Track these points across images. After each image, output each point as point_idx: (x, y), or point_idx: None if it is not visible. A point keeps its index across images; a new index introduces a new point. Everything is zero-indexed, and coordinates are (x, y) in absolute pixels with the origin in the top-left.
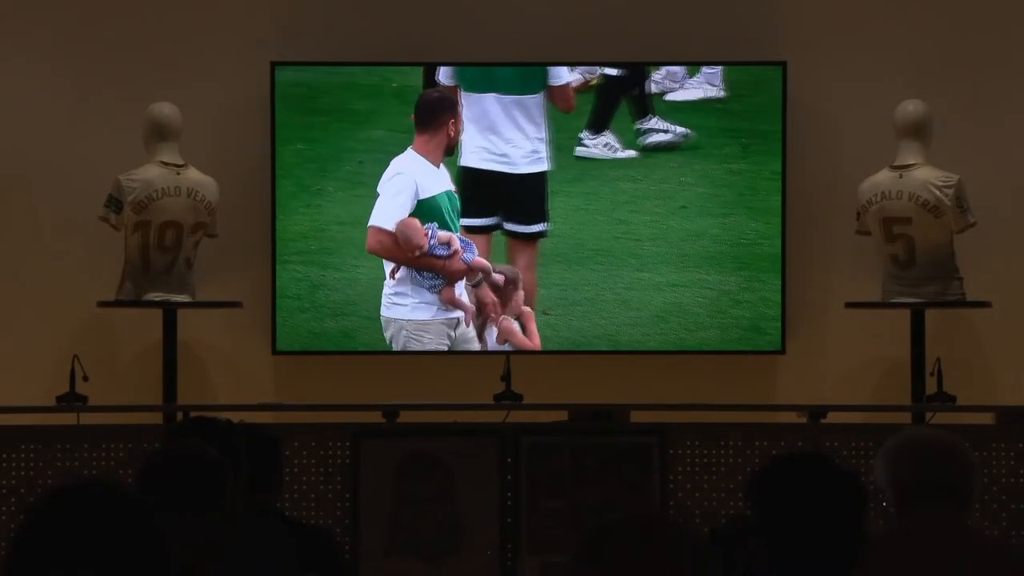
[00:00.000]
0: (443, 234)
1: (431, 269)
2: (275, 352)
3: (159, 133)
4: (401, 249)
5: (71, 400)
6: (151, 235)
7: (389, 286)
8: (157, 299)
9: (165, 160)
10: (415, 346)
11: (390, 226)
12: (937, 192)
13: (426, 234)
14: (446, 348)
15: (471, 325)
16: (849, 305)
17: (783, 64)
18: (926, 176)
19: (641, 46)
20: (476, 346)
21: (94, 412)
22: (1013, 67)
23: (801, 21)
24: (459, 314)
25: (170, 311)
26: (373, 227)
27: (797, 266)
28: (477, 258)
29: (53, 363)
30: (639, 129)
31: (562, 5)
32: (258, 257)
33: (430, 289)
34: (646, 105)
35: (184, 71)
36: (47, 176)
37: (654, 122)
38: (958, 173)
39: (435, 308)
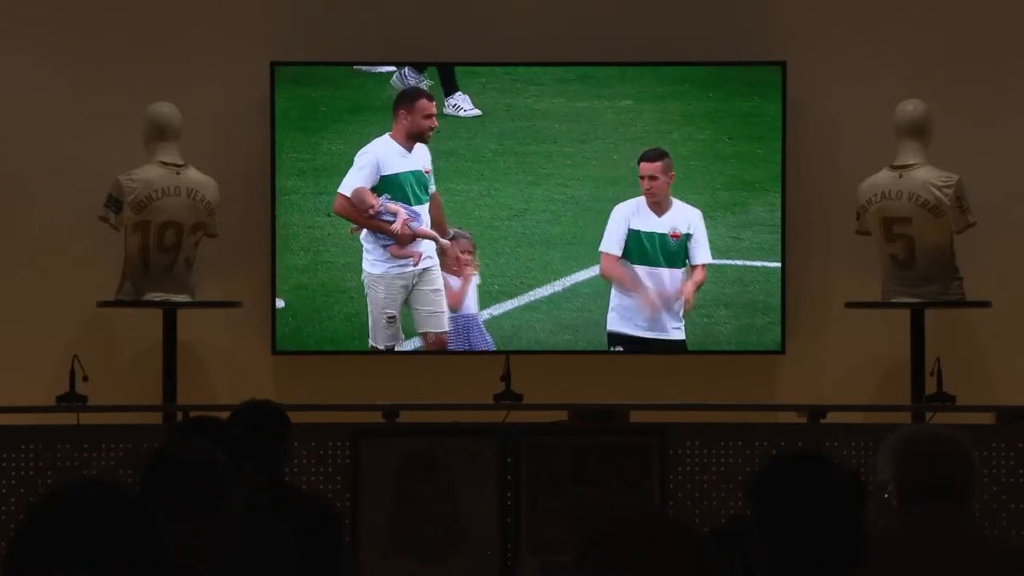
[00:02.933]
0: (391, 204)
1: (382, 231)
2: (275, 352)
3: (159, 133)
4: (357, 212)
5: (71, 400)
6: (151, 235)
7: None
8: (157, 299)
9: (165, 160)
10: (372, 295)
11: (349, 193)
12: (937, 192)
13: (376, 201)
14: (403, 298)
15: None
16: (849, 305)
17: (783, 64)
18: (926, 176)
19: (641, 46)
20: (439, 285)
21: (94, 412)
22: (1013, 67)
23: (801, 21)
24: (410, 268)
25: (170, 311)
26: (339, 192)
27: (797, 266)
28: (422, 227)
29: (53, 363)
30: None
31: (561, 5)
32: (258, 257)
33: (384, 248)
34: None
35: (184, 71)
36: (47, 176)
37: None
38: (958, 173)
39: (386, 265)
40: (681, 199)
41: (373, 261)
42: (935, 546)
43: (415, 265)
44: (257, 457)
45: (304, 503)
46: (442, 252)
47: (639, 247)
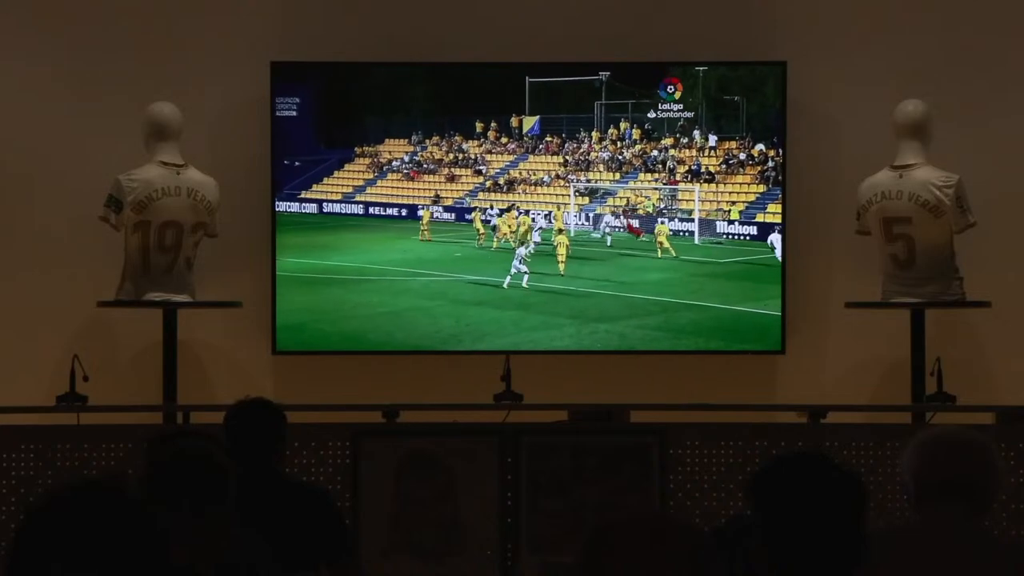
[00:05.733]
0: None
1: None
2: (275, 352)
3: (159, 133)
4: None
5: (71, 400)
6: (151, 235)
7: None
8: (157, 299)
9: (165, 160)
10: None
11: None
12: (937, 192)
13: None
14: None
15: None
16: (849, 305)
17: (783, 64)
18: (926, 176)
19: (641, 46)
20: None
21: (94, 412)
22: (1013, 67)
23: (801, 21)
24: None
25: (170, 311)
26: None
27: (797, 266)
28: None
29: (53, 363)
30: None
31: (562, 6)
32: (258, 257)
33: None
34: None
35: (184, 71)
36: (48, 176)
37: None
38: (958, 173)
39: None
40: None
41: None
42: (943, 543)
43: None
44: (252, 454)
45: (300, 495)
46: None
47: None
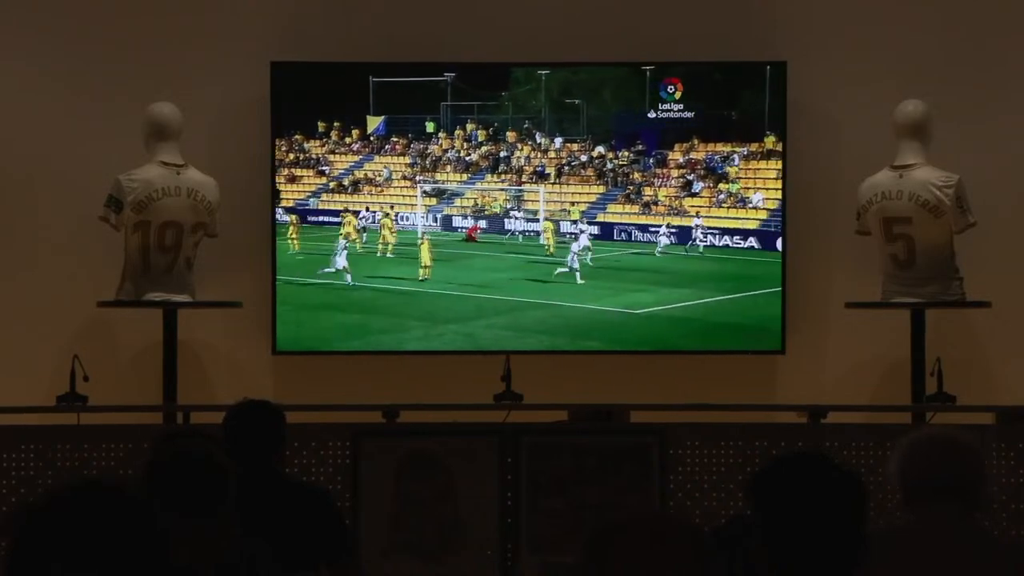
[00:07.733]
0: None
1: None
2: (275, 352)
3: (159, 133)
4: None
5: (71, 400)
6: (151, 235)
7: None
8: (157, 299)
9: (165, 160)
10: None
11: None
12: (937, 192)
13: None
14: None
15: None
16: (849, 305)
17: (783, 64)
18: (926, 176)
19: (642, 46)
20: None
21: (94, 412)
22: (1012, 67)
23: (801, 21)
24: None
25: (170, 311)
26: None
27: (797, 266)
28: None
29: (53, 363)
30: None
31: (561, 5)
32: (258, 257)
33: None
34: None
35: (184, 71)
36: (48, 176)
37: None
38: (958, 173)
39: None
40: None
41: None
42: (938, 544)
43: None
44: (252, 454)
45: (300, 495)
46: None
47: None
